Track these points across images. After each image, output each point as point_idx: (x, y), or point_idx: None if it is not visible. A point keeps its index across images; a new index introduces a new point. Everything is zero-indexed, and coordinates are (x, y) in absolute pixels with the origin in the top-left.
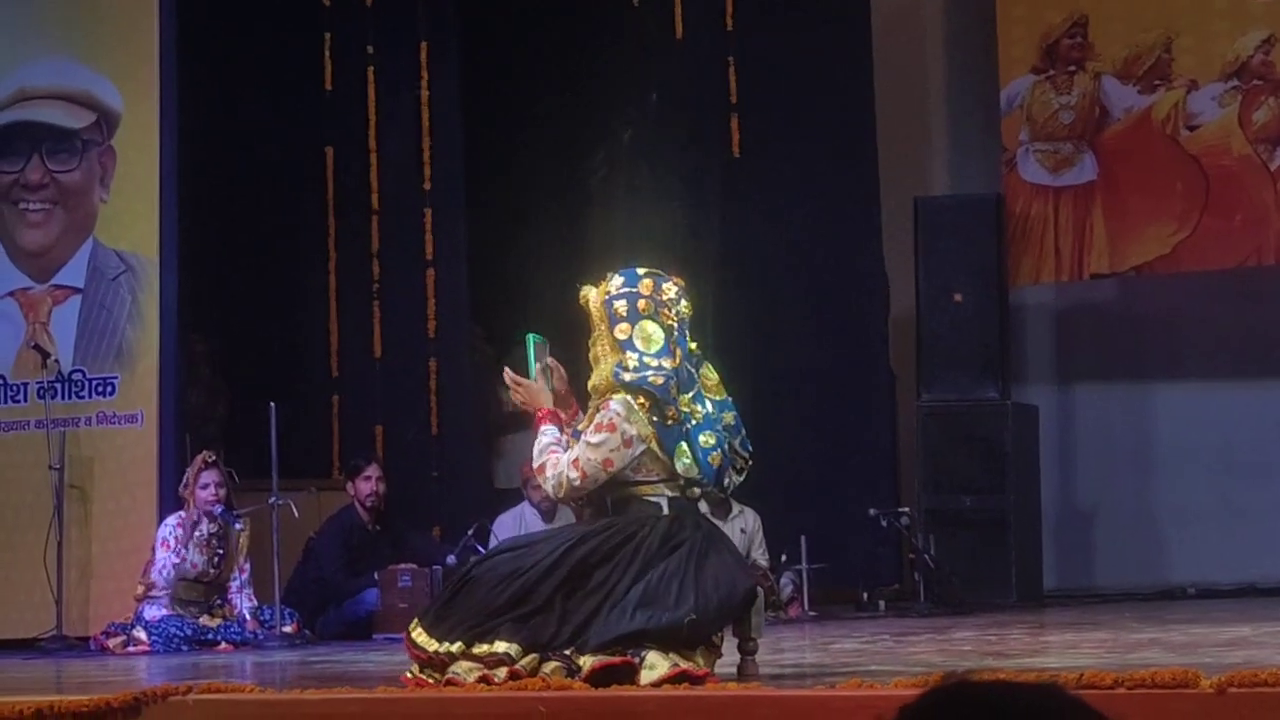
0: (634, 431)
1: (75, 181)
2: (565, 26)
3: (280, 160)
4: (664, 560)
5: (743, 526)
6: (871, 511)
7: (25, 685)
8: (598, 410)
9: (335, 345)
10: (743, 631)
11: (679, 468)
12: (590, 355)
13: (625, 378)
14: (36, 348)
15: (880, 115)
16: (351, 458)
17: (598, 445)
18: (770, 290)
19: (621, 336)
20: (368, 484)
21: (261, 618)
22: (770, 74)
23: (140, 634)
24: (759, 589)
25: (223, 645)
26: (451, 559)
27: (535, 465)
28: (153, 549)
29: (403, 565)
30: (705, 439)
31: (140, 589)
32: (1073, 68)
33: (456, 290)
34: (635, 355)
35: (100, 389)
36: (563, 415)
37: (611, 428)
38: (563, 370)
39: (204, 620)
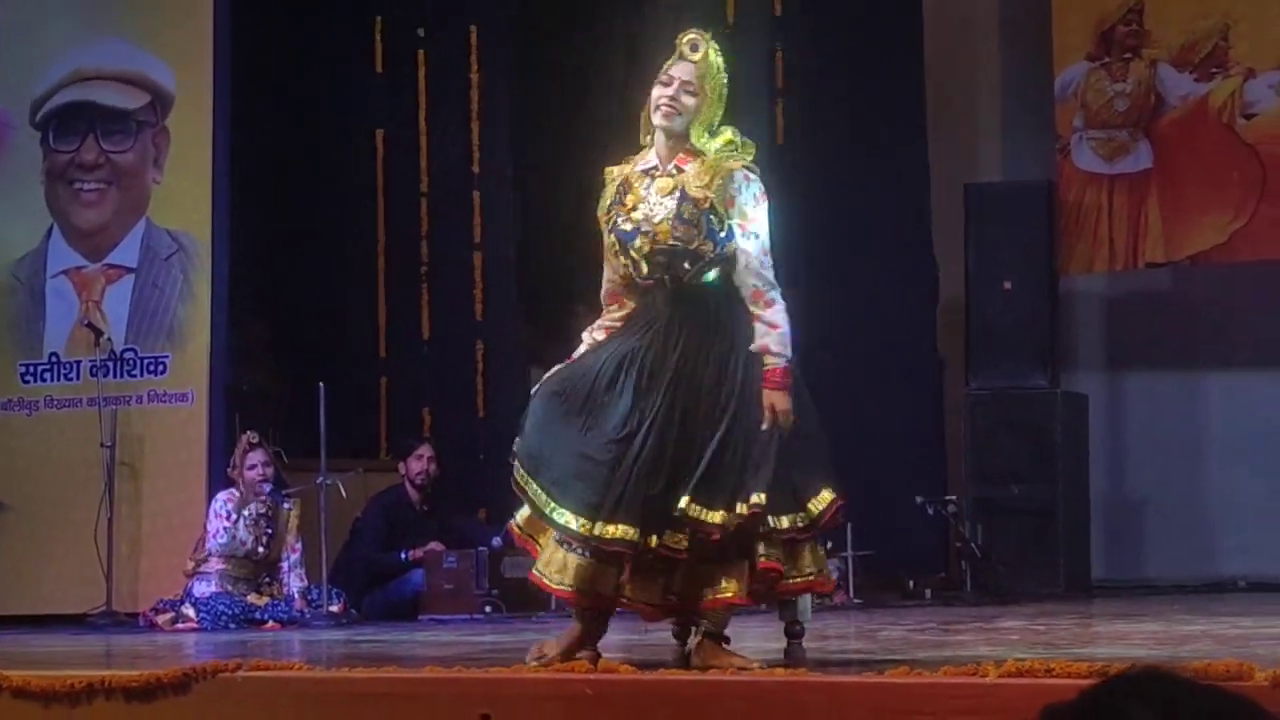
0: None
1: (129, 162)
2: (616, 9)
3: (330, 142)
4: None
5: None
6: (918, 499)
7: (76, 660)
8: (729, 182)
9: (383, 327)
10: (789, 615)
11: None
12: (693, 103)
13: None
14: (89, 326)
15: (932, 102)
16: (402, 438)
17: (765, 217)
18: (819, 275)
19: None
20: (419, 463)
21: (309, 597)
22: (820, 59)
23: (189, 611)
24: None
25: (270, 624)
26: (497, 541)
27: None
28: (205, 523)
29: (433, 545)
30: None
31: (191, 564)
32: (1128, 55)
33: (504, 273)
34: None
35: (152, 368)
36: None
37: (765, 195)
38: None
39: (252, 599)
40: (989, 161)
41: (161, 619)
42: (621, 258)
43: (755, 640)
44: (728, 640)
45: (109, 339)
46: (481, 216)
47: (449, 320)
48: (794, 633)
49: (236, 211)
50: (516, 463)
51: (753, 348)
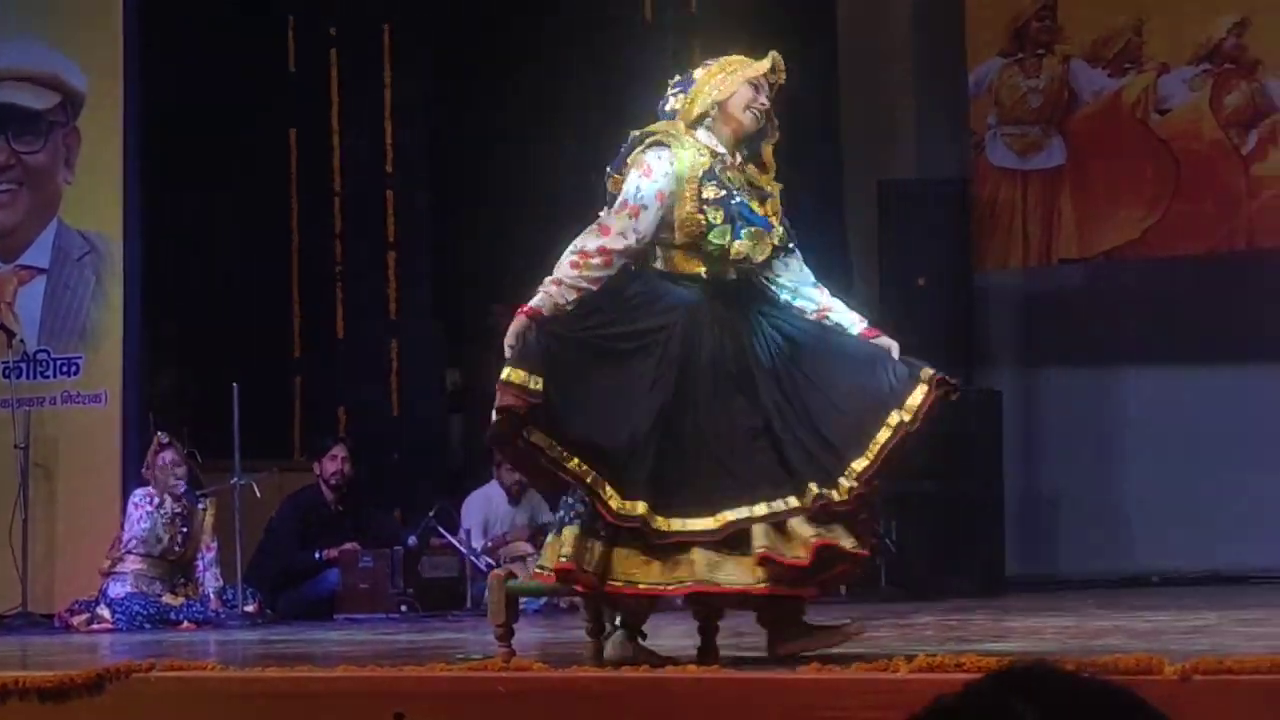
0: None
1: (40, 162)
2: (533, 7)
3: (243, 142)
4: None
5: None
6: None
7: None
8: (779, 196)
9: (297, 326)
10: (704, 612)
11: None
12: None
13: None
14: (1, 328)
15: (846, 98)
16: (316, 438)
17: None
18: None
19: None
20: (333, 463)
21: (225, 597)
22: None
23: (104, 612)
24: None
25: (185, 624)
26: (412, 540)
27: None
28: (123, 519)
29: (348, 545)
30: None
31: (107, 563)
32: (1041, 51)
33: (419, 273)
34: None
35: (65, 369)
36: None
37: None
38: None
39: (167, 599)
40: (903, 158)
41: (77, 620)
42: (714, 234)
43: (670, 639)
44: (644, 635)
45: (21, 340)
46: (395, 216)
47: (363, 320)
48: (708, 630)
49: (148, 211)
50: (631, 504)
51: (853, 323)
